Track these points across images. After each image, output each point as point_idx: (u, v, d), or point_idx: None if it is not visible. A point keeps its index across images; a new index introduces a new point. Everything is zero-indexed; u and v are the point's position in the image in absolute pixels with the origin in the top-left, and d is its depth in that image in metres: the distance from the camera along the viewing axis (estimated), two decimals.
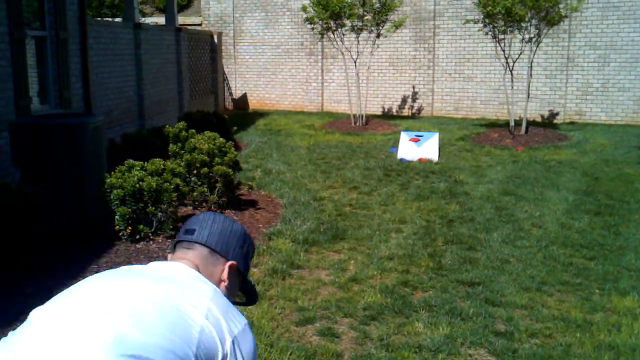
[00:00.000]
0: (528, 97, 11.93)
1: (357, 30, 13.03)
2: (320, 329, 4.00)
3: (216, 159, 6.58)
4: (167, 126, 7.39)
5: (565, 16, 11.25)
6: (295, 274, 4.98)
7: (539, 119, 14.17)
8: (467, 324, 4.06)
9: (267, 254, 5.33)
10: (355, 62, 13.50)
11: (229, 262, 1.68)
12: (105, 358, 1.25)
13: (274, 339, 3.82)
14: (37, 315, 1.40)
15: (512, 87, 12.05)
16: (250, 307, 4.22)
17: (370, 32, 13.03)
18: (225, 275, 1.67)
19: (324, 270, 5.07)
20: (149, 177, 5.60)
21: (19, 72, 7.37)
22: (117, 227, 5.48)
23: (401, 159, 9.71)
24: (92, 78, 9.27)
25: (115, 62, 10.51)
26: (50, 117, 7.14)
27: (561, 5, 11.08)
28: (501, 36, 11.47)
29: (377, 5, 12.72)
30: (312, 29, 13.61)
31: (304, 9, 13.26)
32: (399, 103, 15.82)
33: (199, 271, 1.62)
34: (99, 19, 19.03)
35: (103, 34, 10.04)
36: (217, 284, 1.64)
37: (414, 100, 15.62)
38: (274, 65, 17.21)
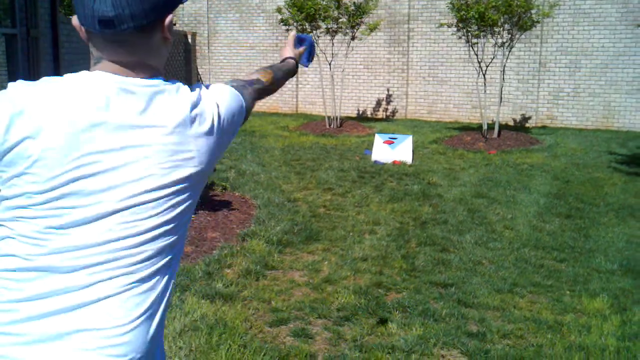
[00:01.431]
0: (500, 101, 12.06)
1: (332, 33, 13.05)
2: (294, 329, 3.98)
3: None
4: None
5: (537, 22, 11.39)
6: (269, 275, 4.96)
7: (511, 123, 14.33)
8: (440, 325, 4.08)
9: (241, 255, 5.31)
10: (330, 65, 13.52)
11: (167, 19, 1.41)
12: None
13: (247, 340, 3.80)
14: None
15: (485, 91, 12.17)
16: (223, 307, 4.20)
17: (345, 34, 13.06)
18: (167, 33, 1.42)
19: (297, 272, 5.06)
20: None
21: None
22: None
23: (375, 161, 9.74)
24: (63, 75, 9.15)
25: (87, 61, 10.36)
26: None
27: (533, 11, 11.23)
28: (474, 40, 11.57)
29: (352, 8, 12.76)
30: (287, 30, 13.60)
31: (278, 10, 13.25)
32: (373, 105, 15.87)
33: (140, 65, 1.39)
34: (70, 17, 18.80)
35: (75, 32, 9.91)
36: (159, 51, 1.43)
37: (388, 102, 15.69)
38: (249, 66, 17.16)
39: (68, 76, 1.35)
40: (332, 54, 13.50)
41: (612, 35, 13.40)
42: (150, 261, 1.31)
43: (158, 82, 1.39)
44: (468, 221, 6.57)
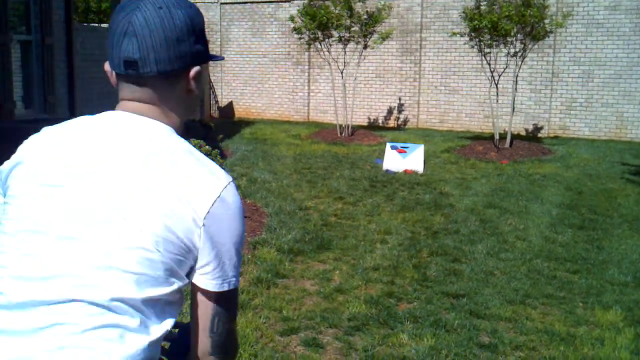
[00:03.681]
0: (513, 110, 12.02)
1: (344, 41, 13.07)
2: (304, 339, 3.98)
3: None
4: None
5: (550, 32, 11.36)
6: (280, 283, 4.95)
7: (523, 133, 14.28)
8: (451, 336, 4.06)
9: (252, 263, 5.31)
10: (341, 73, 13.53)
11: (193, 70, 1.39)
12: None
13: (258, 349, 3.80)
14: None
15: (497, 101, 12.14)
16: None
17: (357, 43, 13.07)
18: (192, 85, 1.40)
19: (308, 280, 5.05)
20: None
21: (3, 76, 7.32)
22: None
23: (387, 170, 9.73)
24: (77, 83, 9.21)
25: (101, 68, 10.41)
26: (34, 121, 7.08)
27: (546, 21, 11.20)
28: (487, 50, 11.55)
29: (365, 16, 12.78)
30: (300, 38, 13.64)
31: (291, 18, 13.29)
32: (384, 114, 15.87)
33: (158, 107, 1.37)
34: (85, 24, 18.95)
35: (89, 39, 10.00)
36: (181, 101, 1.41)
37: (399, 111, 15.68)
38: (261, 74, 17.21)
39: (89, 117, 1.40)
40: (344, 62, 13.52)
41: (626, 46, 13.34)
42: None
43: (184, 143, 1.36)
44: (480, 231, 6.54)
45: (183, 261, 1.26)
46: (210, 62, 17.26)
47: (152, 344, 1.24)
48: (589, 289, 4.99)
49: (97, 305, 1.19)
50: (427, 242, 6.11)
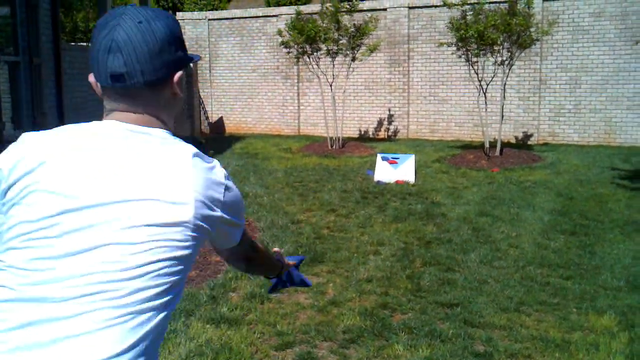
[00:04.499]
0: (502, 119, 12.08)
1: (332, 54, 13.13)
2: (299, 353, 3.96)
3: None
4: None
5: (537, 40, 11.44)
6: (274, 298, 4.94)
7: (513, 141, 14.34)
8: (446, 346, 4.05)
9: (246, 278, 5.29)
10: (331, 86, 13.58)
11: (176, 76, 1.48)
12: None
13: None
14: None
15: (486, 110, 12.20)
16: (228, 331, 4.18)
17: (346, 55, 13.13)
18: (177, 89, 1.48)
19: (302, 294, 5.04)
20: None
21: None
22: None
23: (378, 182, 9.74)
24: (66, 103, 9.20)
25: (90, 87, 10.42)
26: None
27: (532, 29, 11.28)
28: (474, 59, 11.62)
29: (352, 29, 12.85)
30: (288, 52, 13.69)
31: (279, 33, 13.35)
32: (375, 126, 15.91)
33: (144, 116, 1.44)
34: (73, 43, 18.93)
35: (77, 59, 10.00)
36: (168, 105, 1.48)
37: (389, 122, 15.73)
38: (250, 89, 17.24)
39: (81, 124, 1.43)
40: (333, 75, 13.57)
41: (612, 52, 13.45)
42: (141, 297, 1.28)
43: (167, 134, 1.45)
44: (472, 240, 6.55)
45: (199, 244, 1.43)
46: (200, 79, 17.33)
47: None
48: (583, 295, 5.00)
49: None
50: (420, 252, 6.11)
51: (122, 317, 1.26)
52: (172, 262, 1.33)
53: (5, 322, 1.23)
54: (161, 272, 1.31)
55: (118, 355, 1.24)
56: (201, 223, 1.37)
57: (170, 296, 1.34)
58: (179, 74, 1.47)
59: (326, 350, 4.03)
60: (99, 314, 1.24)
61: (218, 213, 1.42)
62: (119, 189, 1.31)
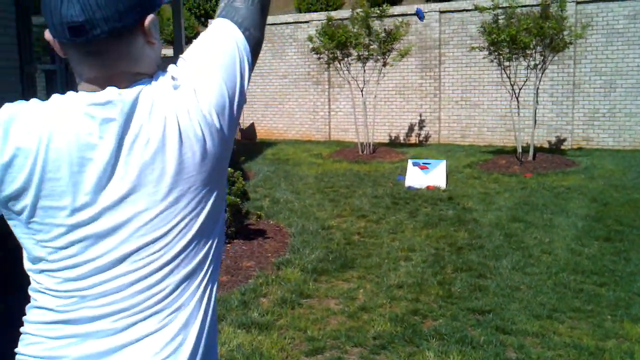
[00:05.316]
0: (535, 123, 11.96)
1: (363, 60, 13.14)
2: (330, 358, 3.97)
3: None
4: None
5: (570, 43, 11.31)
6: (305, 303, 4.96)
7: (546, 145, 14.17)
8: (478, 353, 4.03)
9: (276, 284, 5.32)
10: (361, 91, 13.59)
11: (147, 20, 1.26)
12: None
13: None
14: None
15: (519, 114, 12.08)
16: (259, 336, 4.21)
17: (377, 61, 13.13)
18: (152, 36, 1.28)
19: (333, 300, 5.05)
20: None
21: None
22: None
23: (409, 187, 9.71)
24: None
25: None
26: None
27: (565, 33, 11.15)
28: (506, 63, 11.53)
29: (383, 34, 12.84)
30: (319, 58, 13.73)
31: (310, 39, 13.40)
32: (405, 131, 15.87)
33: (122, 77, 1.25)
34: None
35: None
36: (144, 56, 1.29)
37: (420, 128, 15.67)
38: (281, 95, 17.33)
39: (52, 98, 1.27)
40: (364, 80, 13.57)
41: None
42: (179, 291, 1.26)
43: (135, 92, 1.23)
44: (505, 246, 6.50)
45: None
46: None
47: None
48: (617, 302, 4.93)
49: None
50: (451, 258, 6.08)
51: (169, 316, 1.25)
52: (197, 238, 1.29)
53: (57, 341, 1.24)
54: (190, 255, 1.29)
55: (177, 348, 1.26)
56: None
57: (206, 272, 1.32)
58: (150, 17, 1.26)
59: (356, 356, 4.03)
60: (146, 324, 1.24)
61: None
62: (118, 184, 1.22)
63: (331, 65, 13.55)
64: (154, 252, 1.24)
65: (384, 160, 12.55)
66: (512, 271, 5.68)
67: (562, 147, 14.05)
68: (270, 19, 17.34)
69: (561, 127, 14.19)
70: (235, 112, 1.32)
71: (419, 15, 10.04)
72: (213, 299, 1.34)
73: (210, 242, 1.32)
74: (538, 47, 11.21)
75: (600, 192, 9.12)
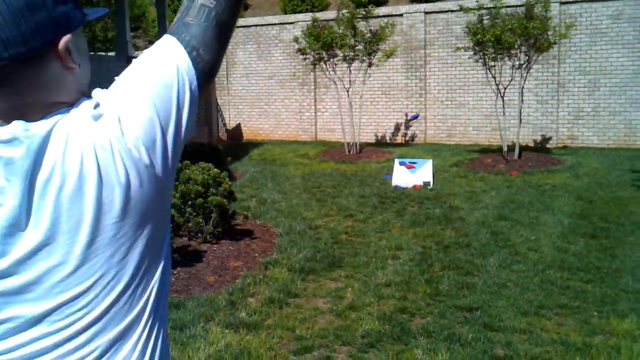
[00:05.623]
0: (520, 122, 12.02)
1: (349, 60, 13.15)
2: (318, 357, 3.97)
3: (211, 189, 6.58)
4: None
5: (554, 43, 11.38)
6: (293, 302, 4.95)
7: (531, 144, 14.25)
8: (466, 350, 4.04)
9: (264, 283, 5.31)
10: (347, 91, 13.60)
11: (62, 42, 1.07)
12: None
13: None
14: None
15: (504, 113, 12.14)
16: (247, 336, 4.20)
17: (362, 61, 13.15)
18: (69, 61, 1.09)
19: (321, 299, 5.04)
20: None
21: None
22: None
23: (396, 186, 9.73)
24: None
25: None
26: None
27: (550, 32, 11.23)
28: (492, 63, 11.58)
29: (368, 35, 12.86)
30: (305, 59, 13.72)
31: (296, 40, 13.40)
32: (392, 131, 15.90)
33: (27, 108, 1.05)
34: (92, 53, 19.14)
35: (95, 69, 10.10)
36: (62, 83, 1.09)
37: (407, 127, 15.70)
38: (267, 96, 17.31)
39: None
40: (350, 81, 13.59)
41: (631, 54, 13.34)
42: (111, 353, 1.12)
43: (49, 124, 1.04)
44: (491, 244, 6.52)
45: None
46: (217, 86, 17.43)
47: None
48: (604, 298, 4.96)
49: None
50: (438, 257, 6.09)
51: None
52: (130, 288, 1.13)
53: None
54: (123, 306, 1.13)
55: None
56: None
57: (147, 319, 1.16)
58: (65, 38, 1.07)
59: (345, 354, 4.03)
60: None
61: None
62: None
63: (317, 65, 13.56)
64: (77, 311, 1.08)
65: (370, 160, 12.57)
66: (499, 269, 5.71)
67: (548, 146, 14.13)
68: (255, 20, 17.33)
69: (546, 126, 14.27)
70: (170, 147, 1.13)
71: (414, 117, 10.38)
72: (159, 352, 1.19)
73: (148, 291, 1.15)
74: (523, 47, 11.27)
75: (586, 189, 9.19)
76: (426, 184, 9.70)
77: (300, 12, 18.82)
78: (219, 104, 17.68)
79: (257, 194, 9.31)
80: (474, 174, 10.80)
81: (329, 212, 8.11)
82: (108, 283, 1.09)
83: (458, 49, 12.13)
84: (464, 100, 15.03)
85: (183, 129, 1.15)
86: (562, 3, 13.73)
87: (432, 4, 15.52)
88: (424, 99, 15.40)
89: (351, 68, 13.39)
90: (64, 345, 1.08)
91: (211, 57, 1.20)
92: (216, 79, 17.38)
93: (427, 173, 9.87)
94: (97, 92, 1.12)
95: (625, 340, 4.17)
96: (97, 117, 1.06)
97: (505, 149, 11.71)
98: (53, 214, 1.03)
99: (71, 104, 1.09)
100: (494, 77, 11.72)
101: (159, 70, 1.13)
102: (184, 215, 6.45)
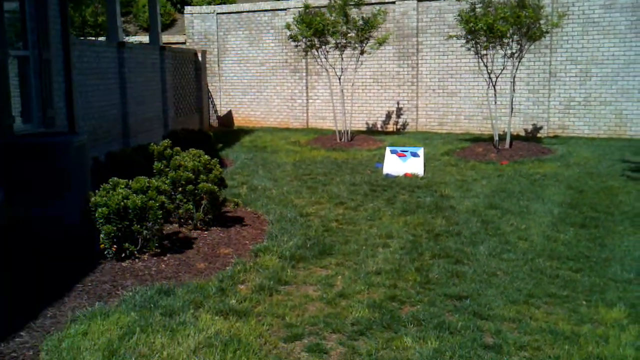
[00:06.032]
0: (511, 111, 12.03)
1: (340, 48, 13.11)
2: (308, 345, 3.97)
3: (201, 176, 6.56)
4: (152, 144, 7.36)
5: (547, 32, 11.37)
6: (283, 290, 4.95)
7: (522, 133, 14.28)
8: (455, 338, 4.05)
9: (254, 271, 5.30)
10: (339, 79, 13.56)
11: None
12: None
13: (262, 356, 3.79)
14: None
15: (496, 102, 12.14)
16: (237, 323, 4.19)
17: (354, 49, 13.11)
18: None
19: (311, 286, 5.04)
20: (134, 195, 5.56)
21: (2, 92, 7.32)
22: (102, 245, 5.43)
23: (387, 174, 9.73)
24: (75, 97, 9.23)
25: (99, 81, 10.47)
26: (34, 136, 7.09)
27: (542, 21, 11.21)
28: (484, 52, 11.57)
29: (361, 22, 12.81)
30: (296, 46, 13.66)
31: (287, 26, 13.33)
32: (383, 119, 15.88)
33: None
34: (82, 38, 19.00)
35: (86, 53, 10.01)
36: None
37: (398, 116, 15.69)
38: (259, 83, 17.24)
39: None
40: (342, 68, 13.55)
41: (622, 44, 13.36)
42: None
43: None
44: (482, 232, 6.54)
45: None
46: (209, 73, 17.34)
47: None
48: (592, 287, 4.98)
49: None
50: (429, 245, 6.10)
51: None
52: None
53: None
54: None
55: None
56: None
57: None
58: None
59: (335, 342, 4.03)
60: None
61: None
62: None
63: (309, 53, 13.50)
64: None
65: (361, 148, 12.55)
66: (489, 257, 5.72)
67: (538, 135, 14.16)
68: (247, 6, 17.24)
69: (537, 115, 14.30)
70: None
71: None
72: None
73: None
74: (515, 36, 11.26)
75: (576, 179, 9.22)
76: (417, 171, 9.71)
77: None
78: (210, 90, 17.60)
79: (248, 181, 9.29)
80: (465, 162, 10.81)
81: (319, 199, 8.10)
82: None
83: (450, 37, 12.10)
84: (456, 88, 15.02)
85: None
86: None
87: None
88: (416, 87, 15.38)
89: (343, 55, 13.35)
90: None
91: None
92: (208, 65, 17.31)
93: (419, 161, 9.86)
94: None
95: (614, 329, 4.19)
96: None
97: (496, 138, 11.72)
98: None
99: None
100: (486, 66, 11.71)
101: None
102: (174, 202, 6.42)
